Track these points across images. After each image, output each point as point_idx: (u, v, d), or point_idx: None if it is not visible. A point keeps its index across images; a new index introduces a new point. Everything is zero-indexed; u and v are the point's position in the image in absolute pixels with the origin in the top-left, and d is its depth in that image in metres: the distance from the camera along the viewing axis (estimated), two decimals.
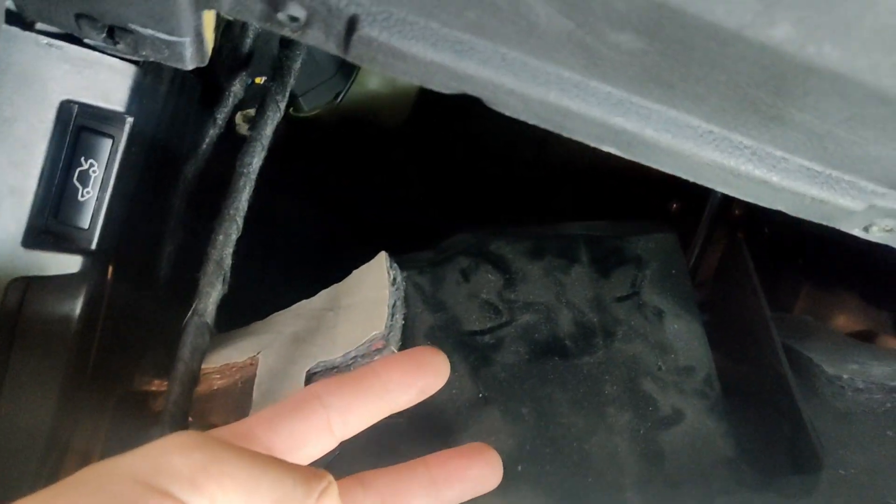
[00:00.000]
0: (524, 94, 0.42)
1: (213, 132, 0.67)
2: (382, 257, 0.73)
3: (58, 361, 0.52)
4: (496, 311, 0.72)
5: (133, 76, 0.52)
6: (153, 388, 0.70)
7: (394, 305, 0.70)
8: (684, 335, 0.70)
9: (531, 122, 0.44)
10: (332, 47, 0.41)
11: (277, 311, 0.77)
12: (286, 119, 0.68)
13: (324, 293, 0.74)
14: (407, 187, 1.05)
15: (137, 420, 0.68)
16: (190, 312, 0.57)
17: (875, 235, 0.50)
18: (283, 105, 0.62)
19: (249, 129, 0.62)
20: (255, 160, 0.60)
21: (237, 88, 0.65)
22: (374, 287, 0.71)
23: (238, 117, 0.87)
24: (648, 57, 0.38)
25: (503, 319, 0.71)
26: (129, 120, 0.53)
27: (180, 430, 0.54)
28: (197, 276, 0.58)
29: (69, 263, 0.53)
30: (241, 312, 0.74)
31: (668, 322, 0.71)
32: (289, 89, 0.63)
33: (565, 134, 0.45)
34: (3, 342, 0.51)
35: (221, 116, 0.66)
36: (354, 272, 0.74)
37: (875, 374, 0.72)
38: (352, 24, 0.39)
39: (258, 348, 0.69)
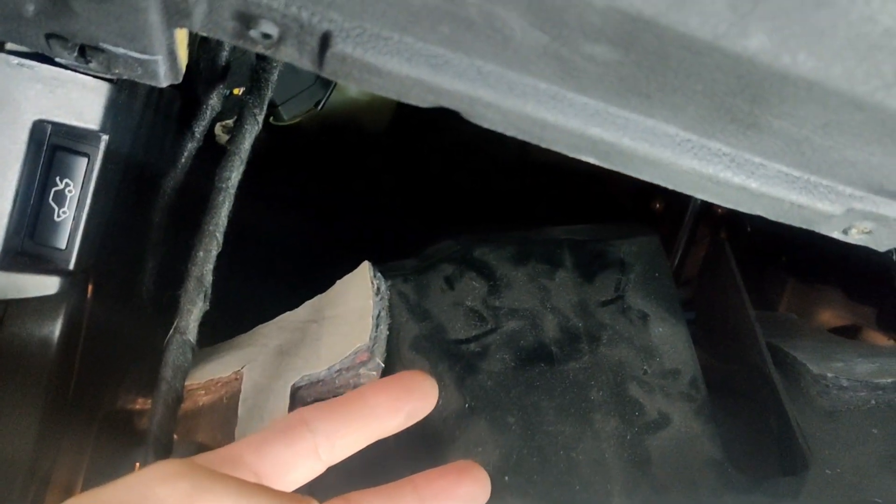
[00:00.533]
0: (501, 106, 0.41)
1: (191, 146, 0.66)
2: (366, 267, 0.73)
3: (38, 386, 0.52)
4: (481, 319, 0.71)
5: (107, 94, 0.51)
6: (137, 407, 0.69)
7: (378, 316, 0.69)
8: (669, 338, 0.70)
9: (509, 133, 0.44)
10: (307, 63, 0.41)
11: (261, 322, 0.77)
12: (267, 128, 0.68)
13: (307, 304, 0.73)
14: (389, 194, 1.05)
15: (122, 440, 0.67)
16: (171, 330, 0.57)
17: (854, 238, 0.50)
18: (260, 118, 0.62)
19: (228, 141, 0.61)
20: (233, 174, 0.59)
21: (214, 101, 0.65)
22: (357, 297, 0.70)
23: (217, 128, 0.86)
24: (624, 68, 0.37)
25: (488, 327, 0.71)
26: (105, 138, 0.52)
27: (165, 452, 0.53)
28: (178, 293, 0.58)
29: (47, 285, 0.52)
30: (224, 324, 0.73)
31: (652, 325, 0.71)
32: (266, 101, 0.63)
33: (543, 145, 0.44)
34: None
35: (199, 130, 0.66)
36: (338, 282, 0.73)
37: (859, 371, 0.73)
38: (325, 41, 0.39)
39: (243, 363, 0.69)
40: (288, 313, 0.74)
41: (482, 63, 0.40)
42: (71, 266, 0.53)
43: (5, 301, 0.50)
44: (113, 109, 0.52)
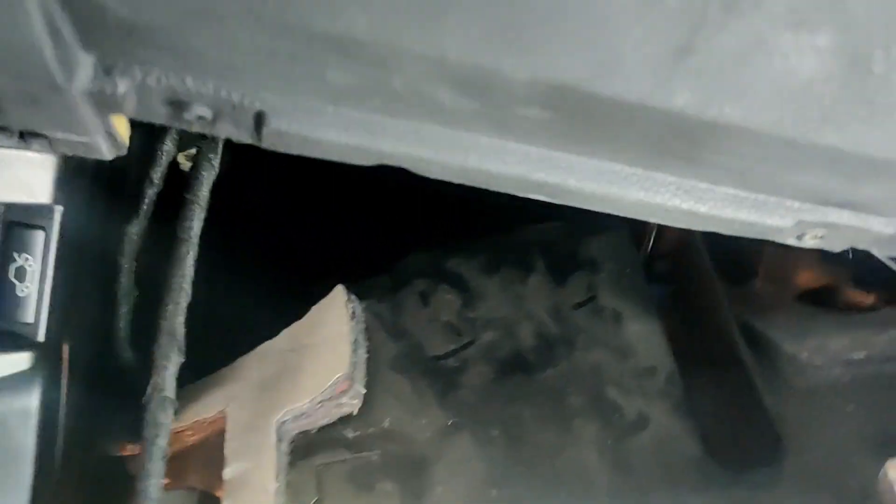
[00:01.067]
0: (443, 163, 0.41)
1: (150, 192, 0.66)
2: (339, 291, 0.73)
3: (23, 465, 0.52)
4: (458, 333, 0.72)
5: (55, 167, 0.51)
6: (127, 452, 0.70)
7: (355, 341, 0.70)
8: (643, 336, 0.71)
9: (456, 181, 0.44)
10: (245, 138, 0.41)
11: (238, 345, 0.77)
12: (229, 147, 0.67)
13: (285, 333, 0.74)
14: (358, 207, 1.05)
15: (117, 486, 0.68)
16: (149, 389, 0.57)
17: (808, 243, 0.50)
18: (216, 161, 0.62)
19: (185, 190, 0.61)
20: (195, 224, 0.59)
21: (168, 147, 0.64)
22: (334, 323, 0.71)
23: (180, 157, 0.86)
24: (559, 123, 0.38)
25: (465, 340, 0.72)
26: (59, 209, 0.52)
27: None
28: (152, 350, 0.58)
29: (19, 361, 0.53)
30: (207, 348, 0.74)
31: (626, 324, 0.72)
32: (221, 145, 0.62)
33: (492, 188, 0.45)
34: None
35: (157, 175, 0.66)
36: (313, 309, 0.74)
37: (833, 347, 0.74)
38: (259, 119, 0.39)
39: (226, 401, 0.69)
40: (267, 343, 0.74)
41: (419, 125, 0.40)
42: (40, 338, 0.54)
43: None
44: (63, 180, 0.52)
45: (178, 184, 0.63)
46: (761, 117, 0.34)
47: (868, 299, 1.03)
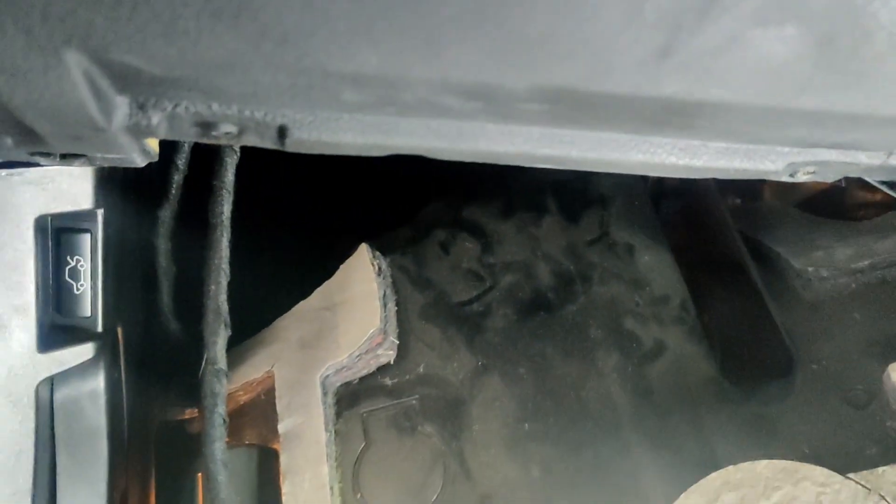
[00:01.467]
0: (454, 150, 0.45)
1: (177, 177, 0.70)
2: (363, 249, 0.77)
3: (99, 441, 0.58)
4: (479, 278, 0.76)
5: (93, 176, 0.55)
6: (186, 416, 0.76)
7: (384, 296, 0.75)
8: (656, 265, 0.75)
9: (467, 161, 0.47)
10: (269, 145, 0.44)
11: (274, 307, 0.82)
12: None
13: (318, 292, 0.79)
14: (376, 165, 1.07)
15: (179, 448, 0.74)
16: (203, 363, 0.62)
17: (801, 178, 0.53)
18: (238, 147, 0.65)
19: (212, 176, 0.64)
20: (225, 208, 0.63)
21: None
22: (362, 281, 0.76)
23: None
24: (559, 111, 0.41)
25: (487, 285, 0.76)
26: (100, 212, 0.56)
27: (225, 470, 0.60)
28: (199, 327, 0.63)
29: (83, 352, 0.58)
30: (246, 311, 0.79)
31: (638, 255, 0.75)
32: None
33: (501, 163, 0.48)
34: (47, 440, 0.56)
35: (182, 161, 0.69)
36: (341, 267, 0.78)
37: (839, 257, 0.77)
38: (282, 131, 0.42)
39: (271, 361, 0.75)
40: (301, 303, 0.79)
41: (429, 121, 0.43)
42: (99, 328, 0.59)
43: (51, 377, 0.56)
44: (101, 185, 0.56)
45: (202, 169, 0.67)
46: (745, 94, 0.37)
47: (876, 196, 1.06)
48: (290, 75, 0.34)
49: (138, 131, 0.42)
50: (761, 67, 0.35)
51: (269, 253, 0.92)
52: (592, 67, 0.34)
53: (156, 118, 0.40)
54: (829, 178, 0.55)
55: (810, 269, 0.76)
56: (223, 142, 0.44)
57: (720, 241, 0.83)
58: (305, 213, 0.98)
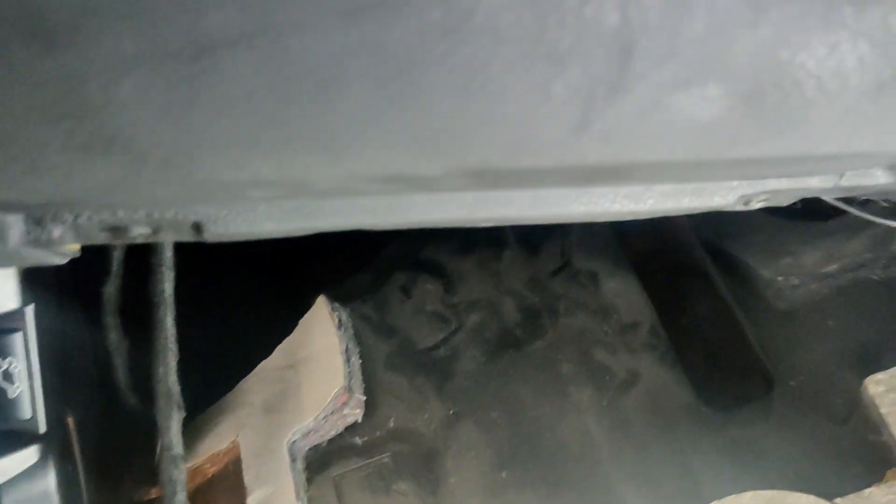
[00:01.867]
0: (388, 222, 0.42)
1: (117, 253, 0.67)
2: (322, 302, 0.75)
3: None
4: (444, 320, 0.74)
5: (15, 273, 0.52)
6: (153, 496, 0.73)
7: (346, 350, 0.72)
8: (622, 291, 0.73)
9: (404, 229, 0.45)
10: (190, 240, 0.42)
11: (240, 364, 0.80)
12: None
13: (279, 350, 0.76)
14: None
15: None
16: (158, 450, 0.60)
17: (756, 206, 0.51)
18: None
19: (150, 255, 0.62)
20: (166, 286, 0.61)
21: None
22: (322, 335, 0.73)
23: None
24: (485, 182, 0.38)
25: (452, 327, 0.74)
26: (29, 308, 0.53)
27: None
28: (152, 411, 0.60)
29: (28, 456, 0.55)
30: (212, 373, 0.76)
31: (603, 282, 0.73)
32: None
33: (440, 227, 0.46)
34: None
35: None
36: (301, 322, 0.76)
37: (807, 263, 0.76)
38: (198, 227, 0.40)
39: (236, 430, 0.72)
40: (264, 363, 0.77)
41: (353, 200, 0.41)
42: (41, 430, 0.56)
43: None
44: (27, 282, 0.53)
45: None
46: (675, 153, 0.35)
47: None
48: (183, 189, 0.32)
49: (40, 244, 0.39)
50: (688, 127, 0.33)
51: (228, 307, 0.89)
52: (508, 147, 0.32)
53: (57, 231, 0.37)
54: (784, 202, 0.53)
55: (780, 277, 0.74)
56: (140, 241, 0.41)
57: (682, 251, 0.81)
58: (263, 265, 0.95)
